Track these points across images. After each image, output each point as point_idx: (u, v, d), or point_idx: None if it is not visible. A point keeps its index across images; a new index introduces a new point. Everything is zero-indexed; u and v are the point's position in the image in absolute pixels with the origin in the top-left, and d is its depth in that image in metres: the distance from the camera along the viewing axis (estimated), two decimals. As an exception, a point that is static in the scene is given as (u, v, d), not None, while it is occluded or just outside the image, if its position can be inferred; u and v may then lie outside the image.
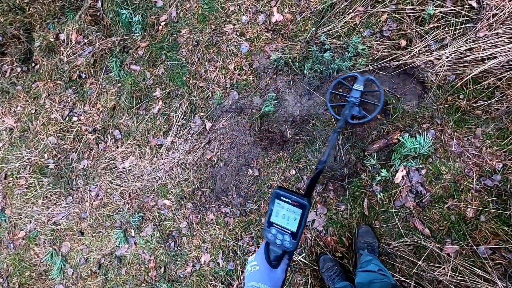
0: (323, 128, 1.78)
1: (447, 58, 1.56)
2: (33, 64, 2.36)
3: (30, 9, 2.32)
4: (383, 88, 1.65)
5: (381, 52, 1.69)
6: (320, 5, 1.88)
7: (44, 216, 2.06)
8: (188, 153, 1.94)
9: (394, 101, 1.69)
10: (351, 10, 1.79)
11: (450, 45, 1.58)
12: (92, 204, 2.05)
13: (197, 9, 2.13)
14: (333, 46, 1.82)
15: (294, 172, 1.78)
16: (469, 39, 1.54)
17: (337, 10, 1.84)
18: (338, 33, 1.83)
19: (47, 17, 2.30)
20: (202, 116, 1.98)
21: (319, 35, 1.86)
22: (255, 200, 1.81)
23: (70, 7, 2.27)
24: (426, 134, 1.59)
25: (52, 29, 2.30)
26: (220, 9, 2.08)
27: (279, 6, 1.99)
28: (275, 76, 1.92)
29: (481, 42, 1.51)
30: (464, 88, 1.56)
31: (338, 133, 1.44)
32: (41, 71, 2.30)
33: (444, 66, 1.57)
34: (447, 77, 1.58)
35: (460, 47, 1.55)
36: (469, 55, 1.54)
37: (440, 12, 1.60)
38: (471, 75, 1.51)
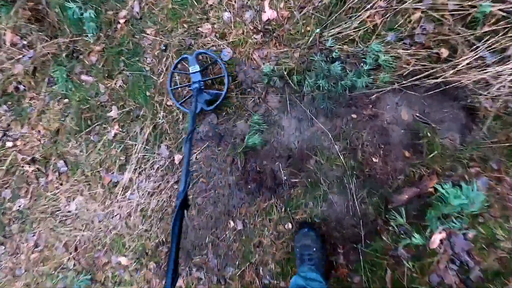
0: (329, 166, 1.31)
1: (509, 76, 1.09)
2: (-38, 72, 1.86)
3: (-46, 1, 1.81)
4: (216, 55, 1.47)
5: (412, 66, 1.21)
6: (326, 0, 1.39)
7: (-32, 272, 1.60)
8: (150, 195, 1.47)
9: (428, 133, 1.22)
10: (369, 6, 1.31)
11: (513, 57, 1.11)
12: (29, 257, 1.58)
13: (166, 2, 1.63)
14: (343, 54, 1.34)
15: (290, 226, 1.32)
16: (544, 49, 1.07)
17: (350, 5, 1.36)
18: (351, 37, 1.34)
19: (-24, 11, 1.80)
20: (170, 146, 1.50)
21: (325, 39, 1.38)
22: (237, 262, 1.35)
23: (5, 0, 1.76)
24: (476, 183, 1.12)
25: (-18, 27, 1.79)
26: (196, 3, 1.59)
27: (272, 0, 1.50)
28: (265, 93, 1.44)
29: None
30: (532, 119, 1.10)
31: (190, 140, 1.04)
32: (-30, 81, 1.81)
33: (505, 87, 1.10)
34: (509, 104, 1.11)
35: (529, 60, 1.08)
36: (543, 73, 1.07)
37: (501, 9, 1.11)
38: (546, 101, 1.05)
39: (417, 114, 1.27)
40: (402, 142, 1.26)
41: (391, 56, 1.23)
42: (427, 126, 1.23)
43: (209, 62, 1.53)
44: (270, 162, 1.36)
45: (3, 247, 1.62)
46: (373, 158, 1.25)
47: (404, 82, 1.22)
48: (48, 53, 1.71)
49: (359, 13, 1.33)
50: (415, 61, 1.21)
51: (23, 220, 1.62)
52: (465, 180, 1.15)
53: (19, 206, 1.63)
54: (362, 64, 1.29)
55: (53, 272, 1.54)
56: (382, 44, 1.26)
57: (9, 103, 1.75)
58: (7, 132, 1.71)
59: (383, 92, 1.26)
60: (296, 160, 1.35)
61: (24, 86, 1.74)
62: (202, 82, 1.41)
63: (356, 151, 1.29)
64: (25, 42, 1.74)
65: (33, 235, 1.59)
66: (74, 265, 1.53)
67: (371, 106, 1.28)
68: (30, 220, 1.61)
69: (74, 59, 1.71)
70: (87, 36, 1.70)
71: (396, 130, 1.26)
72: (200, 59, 1.55)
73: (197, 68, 1.42)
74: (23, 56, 1.75)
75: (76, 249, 1.53)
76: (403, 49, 1.24)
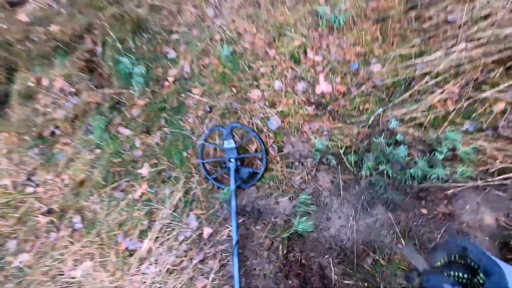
0: (392, 270, 1.06)
1: None
2: (6, 110, 1.88)
3: (19, 46, 1.91)
4: (255, 130, 1.38)
5: (500, 161, 1.04)
6: (389, 79, 1.31)
7: None
8: (169, 272, 1.25)
9: (523, 246, 0.98)
10: (439, 91, 1.20)
11: None
12: (13, 329, 1.33)
13: (217, 66, 1.63)
14: (409, 138, 1.20)
15: None
16: None
17: (416, 88, 1.26)
18: (417, 120, 1.22)
19: (36, 57, 1.88)
20: (200, 216, 1.32)
21: (387, 119, 1.26)
22: None
23: (64, 49, 1.84)
24: None
25: (38, 71, 1.85)
26: (247, 69, 1.56)
27: (327, 74, 1.44)
28: (316, 170, 1.28)
29: None
30: None
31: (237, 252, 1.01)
32: (12, 119, 1.80)
33: None
34: None
35: None
36: None
37: None
38: None
39: (502, 219, 1.05)
40: (484, 244, 1.02)
41: (472, 148, 1.07)
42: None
43: (247, 136, 1.43)
44: (318, 254, 1.13)
45: (-11, 312, 1.39)
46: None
47: (489, 179, 1.03)
48: (92, 102, 1.70)
49: (428, 97, 1.22)
50: (504, 157, 1.04)
51: (20, 280, 1.40)
52: None
53: (20, 262, 1.43)
54: (434, 152, 1.12)
55: None
56: (460, 133, 1.11)
57: (41, 146, 1.69)
58: (31, 177, 1.62)
59: (462, 188, 1.06)
60: (349, 256, 1.11)
61: (60, 131, 1.70)
62: (238, 162, 1.33)
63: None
64: (72, 89, 1.75)
65: (26, 302, 1.36)
66: None
67: (446, 202, 1.08)
68: (28, 282, 1.39)
69: (115, 111, 1.68)
70: (133, 89, 1.69)
71: (480, 236, 1.03)
72: (236, 131, 1.46)
73: (232, 143, 1.33)
74: (67, 101, 1.74)
75: (69, 329, 1.28)
76: (486, 141, 1.08)
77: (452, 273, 0.45)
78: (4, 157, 1.68)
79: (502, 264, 0.42)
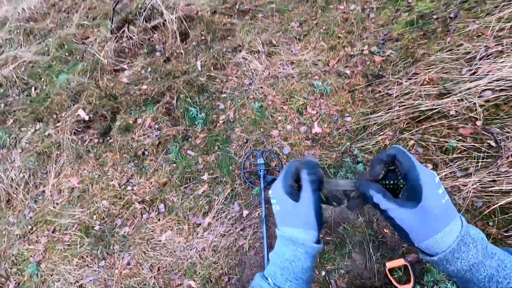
0: (353, 232, 1.87)
1: (472, 186, 1.72)
2: (108, 138, 2.85)
3: (121, 98, 2.97)
4: (275, 153, 2.28)
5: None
6: (354, 125, 2.24)
7: (74, 276, 2.14)
8: (222, 236, 2.06)
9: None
10: (382, 133, 2.12)
11: (474, 175, 1.76)
12: (121, 272, 2.12)
13: (250, 114, 2.61)
14: (364, 159, 2.08)
15: (323, 273, 1.80)
16: (492, 172, 1.73)
17: (370, 131, 2.18)
18: (369, 150, 2.11)
19: (132, 105, 2.91)
20: (241, 204, 2.17)
21: (353, 148, 2.16)
22: (280, 297, 1.79)
23: (152, 101, 2.87)
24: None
25: (133, 114, 2.86)
26: (270, 117, 2.53)
27: (319, 121, 2.39)
28: (311, 177, 2.16)
29: (503, 176, 1.69)
30: (493, 216, 1.65)
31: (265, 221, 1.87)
32: (114, 144, 2.77)
33: (470, 192, 1.72)
34: (474, 203, 1.71)
35: (484, 177, 1.73)
36: (494, 186, 1.69)
37: (462, 145, 1.85)
38: (497, 205, 1.63)
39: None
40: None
41: (395, 164, 1.94)
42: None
43: (271, 156, 2.35)
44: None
45: (104, 261, 2.18)
46: (385, 229, 1.81)
47: (404, 181, 1.89)
48: (170, 134, 2.66)
49: (376, 136, 2.14)
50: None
51: (124, 242, 2.22)
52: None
53: (124, 232, 2.26)
54: (377, 166, 2.00)
55: (136, 286, 2.03)
56: (390, 156, 1.99)
57: (136, 161, 2.62)
58: (130, 180, 2.52)
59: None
60: (329, 224, 1.93)
61: (148, 152, 2.64)
62: (265, 171, 2.20)
63: (372, 223, 1.86)
64: (157, 126, 2.74)
65: (129, 255, 2.16)
66: (153, 284, 2.02)
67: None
68: (129, 243, 2.21)
69: (185, 140, 2.63)
70: (197, 127, 2.66)
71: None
72: (264, 154, 2.38)
73: (262, 161, 2.21)
74: (153, 134, 2.71)
75: (158, 270, 2.06)
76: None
77: (385, 181, 0.48)
78: (111, 168, 2.61)
79: (421, 167, 0.44)
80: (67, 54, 3.78)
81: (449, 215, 0.43)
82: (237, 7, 3.41)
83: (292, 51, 2.93)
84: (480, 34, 2.22)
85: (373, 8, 2.96)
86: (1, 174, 2.78)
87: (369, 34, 2.80)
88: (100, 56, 3.29)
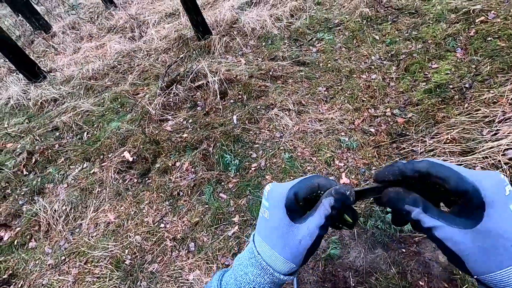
0: (386, 284, 1.83)
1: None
2: (147, 179, 3.09)
3: (163, 143, 3.30)
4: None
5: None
6: (382, 177, 2.36)
7: (99, 311, 2.13)
8: (250, 279, 2.06)
9: (460, 272, 1.76)
10: (409, 185, 2.21)
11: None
12: (145, 310, 2.10)
13: (281, 164, 2.80)
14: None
15: (355, 326, 1.72)
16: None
17: (397, 183, 2.28)
18: (398, 201, 2.18)
19: (172, 150, 3.21)
20: (270, 247, 2.21)
21: (381, 199, 2.24)
22: None
23: (190, 147, 3.17)
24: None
25: (172, 158, 3.14)
26: (299, 167, 2.71)
27: (347, 173, 2.53)
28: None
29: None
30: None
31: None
32: (151, 184, 2.98)
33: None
34: None
35: None
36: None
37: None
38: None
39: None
40: (441, 275, 1.79)
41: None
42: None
43: None
44: (342, 270, 1.94)
45: (130, 298, 2.18)
46: (420, 282, 1.77)
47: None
48: (204, 178, 2.87)
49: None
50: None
51: (152, 279, 2.24)
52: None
53: (153, 269, 2.30)
54: (407, 217, 2.05)
55: (159, 327, 1.99)
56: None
57: (171, 201, 2.79)
58: (163, 218, 2.65)
59: (423, 237, 1.93)
60: (361, 273, 1.91)
61: (183, 193, 2.82)
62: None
63: (406, 274, 1.83)
64: (193, 169, 2.97)
65: (155, 293, 2.16)
66: (177, 325, 1.97)
67: (415, 245, 1.93)
68: (157, 280, 2.22)
69: (218, 184, 2.81)
70: (230, 173, 2.86)
71: (436, 266, 1.83)
72: None
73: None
74: (189, 177, 2.93)
75: (183, 311, 2.03)
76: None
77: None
78: (147, 205, 2.78)
79: (476, 173, 0.33)
80: (119, 106, 4.34)
81: None
82: (270, 73, 3.92)
83: (319, 111, 3.25)
84: (496, 101, 2.45)
85: (392, 78, 3.34)
86: (46, 205, 3.01)
87: (391, 99, 3.10)
88: (149, 107, 3.78)
